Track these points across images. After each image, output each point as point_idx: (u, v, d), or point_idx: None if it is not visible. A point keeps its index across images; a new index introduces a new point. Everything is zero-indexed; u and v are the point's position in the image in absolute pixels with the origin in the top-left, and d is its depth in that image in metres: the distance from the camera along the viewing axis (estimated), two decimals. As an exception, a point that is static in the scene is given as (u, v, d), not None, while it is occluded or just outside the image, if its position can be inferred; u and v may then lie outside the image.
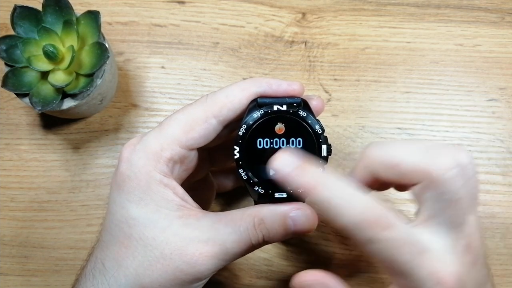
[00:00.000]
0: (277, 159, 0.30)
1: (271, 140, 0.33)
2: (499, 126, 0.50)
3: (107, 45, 0.43)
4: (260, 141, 0.33)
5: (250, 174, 0.33)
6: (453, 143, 0.49)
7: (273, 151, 0.32)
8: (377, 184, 0.33)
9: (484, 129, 0.50)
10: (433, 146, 0.30)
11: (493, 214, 0.48)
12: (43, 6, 0.43)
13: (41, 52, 0.42)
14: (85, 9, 0.44)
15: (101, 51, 0.43)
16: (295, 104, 0.33)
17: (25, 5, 0.43)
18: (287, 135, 0.33)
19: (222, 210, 0.47)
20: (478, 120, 0.50)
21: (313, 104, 0.34)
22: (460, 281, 0.28)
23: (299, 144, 0.33)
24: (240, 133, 0.32)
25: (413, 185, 0.30)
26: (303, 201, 0.33)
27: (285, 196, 0.33)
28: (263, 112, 0.33)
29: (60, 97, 0.43)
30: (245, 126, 0.32)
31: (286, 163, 0.30)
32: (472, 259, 0.29)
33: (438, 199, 0.29)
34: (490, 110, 0.50)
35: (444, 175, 0.28)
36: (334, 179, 0.29)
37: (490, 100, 0.51)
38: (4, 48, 0.43)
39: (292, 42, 0.52)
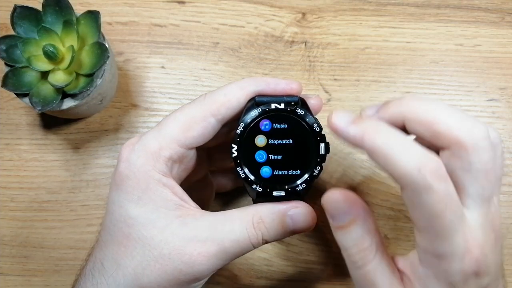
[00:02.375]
0: (333, 116, 0.29)
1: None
2: (499, 126, 0.50)
3: (107, 45, 0.43)
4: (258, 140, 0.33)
5: (248, 172, 0.33)
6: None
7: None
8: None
9: (484, 129, 0.50)
10: (470, 116, 0.29)
11: (494, 214, 0.47)
12: (43, 6, 0.44)
13: (41, 52, 0.42)
14: (85, 9, 0.44)
15: (101, 51, 0.43)
16: (293, 103, 0.33)
17: (25, 5, 0.43)
18: (285, 134, 0.33)
19: (221, 210, 0.47)
20: (478, 120, 0.50)
21: (312, 103, 0.34)
22: (484, 255, 0.28)
23: (298, 143, 0.33)
24: (238, 131, 0.32)
25: (439, 147, 0.29)
26: (302, 200, 0.33)
27: (283, 194, 0.33)
28: (261, 110, 0.33)
29: (60, 97, 0.43)
30: (243, 125, 0.32)
31: (342, 116, 0.29)
32: (495, 238, 0.29)
33: (469, 168, 0.28)
34: (490, 110, 0.50)
35: (477, 144, 0.28)
36: (391, 128, 0.28)
37: (490, 100, 0.50)
38: (4, 48, 0.43)
39: (292, 42, 0.52)
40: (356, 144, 0.29)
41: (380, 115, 0.31)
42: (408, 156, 0.26)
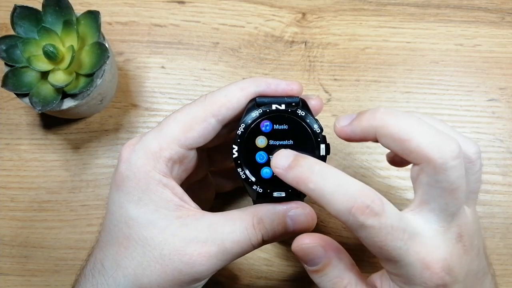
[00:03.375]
0: (274, 158, 0.31)
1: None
2: (499, 126, 0.50)
3: (107, 45, 0.43)
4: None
5: (248, 173, 0.33)
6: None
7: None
8: (370, 141, 0.33)
9: (484, 129, 0.50)
10: (444, 130, 0.30)
11: (493, 214, 0.48)
12: (43, 6, 0.43)
13: (41, 52, 0.42)
14: (85, 9, 0.44)
15: (101, 51, 0.43)
16: (293, 104, 0.33)
17: (25, 5, 0.43)
18: (286, 135, 0.33)
19: (222, 210, 0.47)
20: (478, 120, 0.50)
21: (312, 103, 0.34)
22: (447, 267, 0.29)
23: (298, 144, 0.33)
24: (239, 132, 0.32)
25: (413, 163, 0.30)
26: (302, 200, 0.33)
27: (284, 195, 0.33)
28: (261, 111, 0.33)
29: (60, 97, 0.43)
30: (244, 126, 0.32)
31: (282, 160, 0.30)
32: (464, 248, 0.30)
33: (434, 185, 0.29)
34: (490, 110, 0.50)
35: (445, 164, 0.28)
36: (326, 168, 0.29)
37: (490, 100, 0.50)
38: (4, 48, 0.43)
39: (292, 42, 0.52)
40: (368, 134, 0.31)
41: (353, 128, 0.32)
42: (338, 198, 0.28)
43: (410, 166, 0.31)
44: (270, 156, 0.33)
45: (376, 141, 0.31)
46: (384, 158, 0.40)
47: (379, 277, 0.33)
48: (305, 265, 0.32)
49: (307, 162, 0.30)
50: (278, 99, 0.33)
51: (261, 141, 0.33)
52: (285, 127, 0.33)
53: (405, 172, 0.48)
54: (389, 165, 0.40)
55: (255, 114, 0.33)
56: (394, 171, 0.48)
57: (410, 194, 0.48)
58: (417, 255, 0.28)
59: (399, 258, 0.28)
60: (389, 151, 0.34)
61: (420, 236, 0.29)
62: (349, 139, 0.33)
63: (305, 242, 0.31)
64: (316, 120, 0.33)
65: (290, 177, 0.30)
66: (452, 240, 0.29)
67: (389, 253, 0.28)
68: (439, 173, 0.28)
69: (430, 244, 0.29)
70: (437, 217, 0.29)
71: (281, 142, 0.33)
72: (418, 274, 0.28)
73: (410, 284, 0.29)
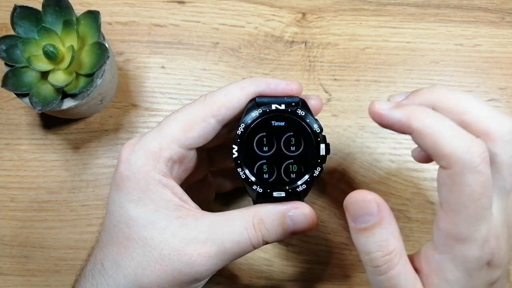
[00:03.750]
0: (374, 104, 0.30)
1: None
2: (499, 126, 0.50)
3: (107, 45, 0.43)
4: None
5: (248, 173, 0.33)
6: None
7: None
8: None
9: (484, 129, 0.50)
10: (498, 111, 0.30)
11: (493, 214, 0.47)
12: (43, 6, 0.43)
13: (41, 52, 0.42)
14: (85, 9, 0.44)
15: (101, 51, 0.43)
16: (293, 104, 0.33)
17: (25, 5, 0.43)
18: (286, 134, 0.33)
19: (221, 210, 0.47)
20: (478, 120, 0.50)
21: (312, 103, 0.34)
22: (499, 248, 0.29)
23: (298, 143, 0.33)
24: (239, 132, 0.32)
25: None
26: (302, 200, 0.33)
27: (284, 195, 0.33)
28: (261, 111, 0.33)
29: (60, 97, 0.43)
30: (244, 125, 0.32)
31: (383, 103, 0.30)
32: (508, 233, 0.30)
33: (493, 160, 0.28)
34: (490, 110, 0.50)
35: (504, 137, 0.28)
36: (436, 112, 0.29)
37: (490, 100, 0.50)
38: (4, 48, 0.43)
39: (292, 42, 0.52)
40: (402, 126, 0.29)
41: (410, 102, 0.32)
42: (457, 136, 0.27)
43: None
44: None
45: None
46: (384, 158, 0.40)
47: (416, 255, 0.32)
48: (352, 224, 0.30)
49: (414, 105, 0.30)
50: (278, 99, 0.33)
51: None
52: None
53: (405, 172, 0.48)
54: (389, 165, 0.40)
55: (255, 114, 0.33)
56: (394, 171, 0.48)
57: (410, 194, 0.48)
58: (488, 225, 0.28)
59: (480, 218, 0.28)
60: (415, 146, 0.33)
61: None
62: (392, 121, 0.31)
63: (360, 197, 0.30)
64: (316, 120, 0.33)
65: (399, 114, 0.29)
66: (505, 221, 0.29)
67: (478, 208, 0.27)
68: (498, 145, 0.28)
69: (494, 219, 0.29)
70: (496, 195, 0.29)
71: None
72: (480, 243, 0.28)
73: (465, 250, 0.28)
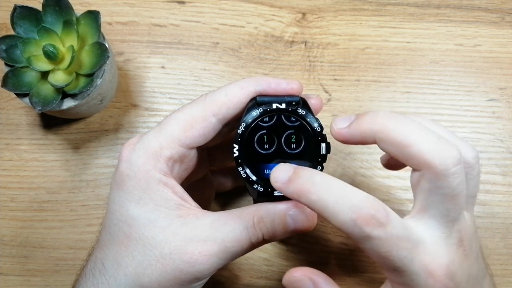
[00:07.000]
0: (273, 173, 0.30)
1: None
2: (499, 126, 0.50)
3: (107, 45, 0.43)
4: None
5: (249, 172, 0.33)
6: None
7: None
8: (367, 144, 0.33)
9: (484, 129, 0.50)
10: (444, 135, 0.30)
11: (493, 214, 0.48)
12: (43, 6, 0.43)
13: (41, 52, 0.42)
14: (85, 9, 0.44)
15: (101, 51, 0.43)
16: (294, 103, 0.33)
17: (25, 5, 0.43)
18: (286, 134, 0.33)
19: (222, 209, 0.47)
20: (478, 120, 0.50)
21: (312, 102, 0.34)
22: (450, 273, 0.29)
23: (298, 143, 0.33)
24: (239, 131, 0.32)
25: (413, 169, 0.30)
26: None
27: None
28: (262, 110, 0.33)
29: (60, 97, 0.43)
30: (244, 125, 0.32)
31: (281, 174, 0.30)
32: (464, 252, 0.30)
33: (436, 191, 0.29)
34: (490, 110, 0.50)
35: (447, 171, 0.28)
36: (327, 179, 0.29)
37: (490, 100, 0.50)
38: (4, 48, 0.43)
39: (292, 42, 0.52)
40: (365, 138, 0.31)
41: (351, 131, 0.32)
42: (342, 209, 0.27)
43: (409, 167, 0.31)
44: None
45: (374, 143, 0.31)
46: (384, 158, 0.40)
47: None
48: None
49: (307, 174, 0.29)
50: (279, 98, 0.33)
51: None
52: None
53: (404, 172, 0.48)
54: (389, 165, 0.40)
55: (255, 113, 0.33)
56: (394, 171, 0.48)
57: (410, 194, 0.48)
58: (421, 263, 0.28)
59: (404, 268, 0.28)
60: (383, 154, 0.34)
61: (423, 243, 0.29)
62: (346, 142, 0.32)
63: (294, 275, 0.32)
64: (317, 119, 0.33)
65: (290, 191, 0.29)
66: (454, 246, 0.29)
67: (394, 263, 0.28)
68: (441, 179, 0.28)
69: (433, 251, 0.29)
70: (438, 223, 0.29)
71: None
72: (422, 282, 0.28)
73: None
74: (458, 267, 0.29)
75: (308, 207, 0.29)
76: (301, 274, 0.32)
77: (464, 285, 0.29)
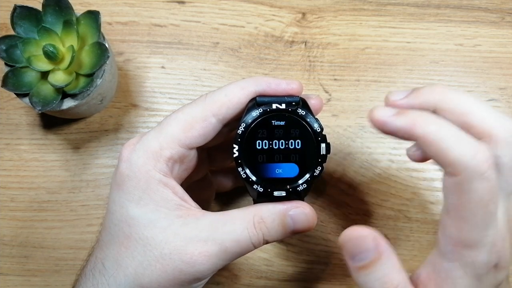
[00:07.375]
0: (375, 111, 0.30)
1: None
2: (499, 126, 0.50)
3: (107, 45, 0.43)
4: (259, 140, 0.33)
5: (249, 172, 0.33)
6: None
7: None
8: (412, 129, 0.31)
9: (484, 129, 0.50)
10: (500, 112, 0.29)
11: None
12: (43, 6, 0.43)
13: (41, 52, 0.42)
14: (85, 9, 0.44)
15: (101, 51, 0.43)
16: (294, 103, 0.33)
17: (25, 5, 0.43)
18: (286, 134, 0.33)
19: (222, 210, 0.47)
20: (478, 120, 0.50)
21: (312, 103, 0.34)
22: (504, 249, 0.29)
23: (298, 143, 0.33)
24: (239, 131, 0.32)
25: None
26: (303, 200, 0.33)
27: (284, 194, 0.33)
28: (262, 110, 0.33)
29: (60, 97, 0.43)
30: (244, 125, 0.32)
31: (384, 110, 0.29)
32: (510, 233, 0.29)
33: (496, 161, 0.28)
34: (490, 110, 0.50)
35: (507, 138, 0.28)
36: (439, 118, 0.28)
37: (490, 100, 0.50)
38: (4, 48, 0.43)
39: (292, 42, 0.52)
40: (405, 134, 0.29)
41: (410, 101, 0.31)
42: (462, 142, 0.27)
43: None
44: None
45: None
46: (384, 158, 0.40)
47: (423, 267, 0.31)
48: (350, 262, 0.30)
49: (416, 110, 0.29)
50: (279, 98, 0.33)
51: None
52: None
53: (405, 172, 0.48)
54: (389, 165, 0.40)
55: (255, 113, 0.33)
56: (394, 171, 0.48)
57: (410, 194, 0.48)
58: (495, 228, 0.28)
59: (488, 224, 0.27)
60: (410, 145, 0.33)
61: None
62: (394, 129, 0.30)
63: (355, 234, 0.30)
64: (317, 119, 0.33)
65: (401, 122, 0.28)
66: (507, 223, 0.29)
67: (487, 214, 0.27)
68: (502, 147, 0.28)
69: (499, 221, 0.28)
70: (501, 193, 0.29)
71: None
72: (488, 247, 0.28)
73: (474, 256, 0.28)
74: (509, 245, 0.29)
75: (417, 139, 0.28)
76: (363, 232, 0.29)
77: (508, 265, 0.29)
